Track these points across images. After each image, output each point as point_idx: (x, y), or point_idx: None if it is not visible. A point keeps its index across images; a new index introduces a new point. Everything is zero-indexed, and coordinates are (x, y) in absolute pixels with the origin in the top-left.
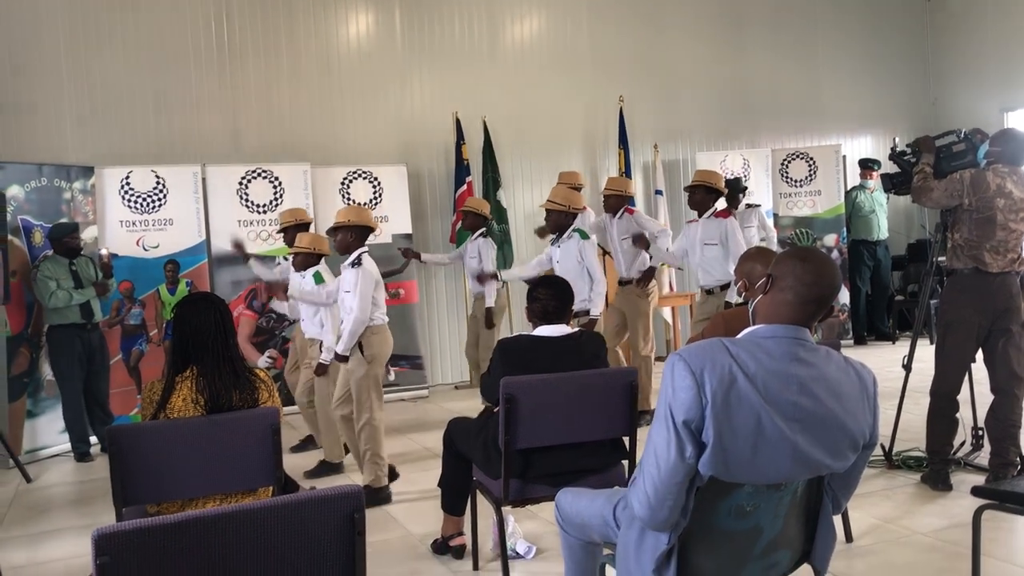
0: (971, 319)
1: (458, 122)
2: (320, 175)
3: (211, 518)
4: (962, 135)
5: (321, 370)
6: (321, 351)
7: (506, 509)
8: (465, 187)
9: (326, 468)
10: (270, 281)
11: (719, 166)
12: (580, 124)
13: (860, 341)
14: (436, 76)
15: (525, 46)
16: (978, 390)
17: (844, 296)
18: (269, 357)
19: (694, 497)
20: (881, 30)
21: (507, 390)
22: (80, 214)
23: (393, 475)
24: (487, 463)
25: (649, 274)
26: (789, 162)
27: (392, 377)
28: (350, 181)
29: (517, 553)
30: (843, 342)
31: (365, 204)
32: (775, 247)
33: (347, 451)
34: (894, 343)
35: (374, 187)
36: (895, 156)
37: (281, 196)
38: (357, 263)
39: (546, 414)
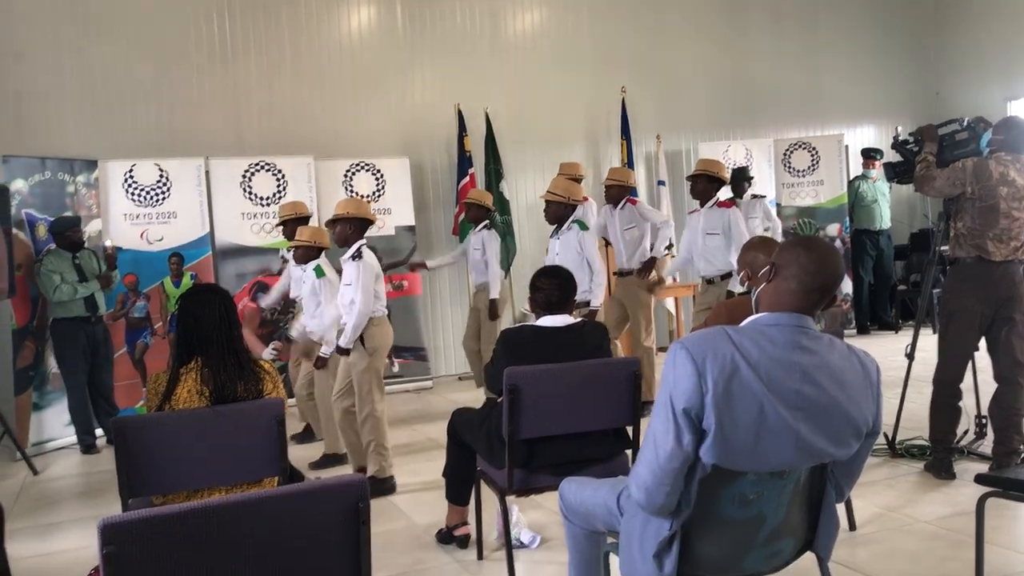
0: (974, 308)
1: (460, 114)
2: (323, 168)
3: (216, 508)
4: (965, 124)
5: (321, 363)
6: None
7: (510, 499)
8: (468, 179)
9: (330, 460)
10: (295, 340)
11: (722, 156)
12: (582, 115)
13: (863, 330)
14: (438, 68)
15: (527, 37)
16: (981, 378)
17: (847, 286)
18: (274, 349)
19: (697, 485)
20: (884, 19)
21: (510, 380)
22: (84, 207)
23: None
24: (491, 453)
25: (649, 265)
26: (792, 152)
27: (396, 368)
28: (353, 174)
29: (521, 542)
30: (846, 331)
31: (368, 197)
32: (780, 239)
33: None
34: (897, 332)
35: (377, 179)
36: (898, 145)
37: (284, 189)
38: (357, 256)
39: (549, 404)
